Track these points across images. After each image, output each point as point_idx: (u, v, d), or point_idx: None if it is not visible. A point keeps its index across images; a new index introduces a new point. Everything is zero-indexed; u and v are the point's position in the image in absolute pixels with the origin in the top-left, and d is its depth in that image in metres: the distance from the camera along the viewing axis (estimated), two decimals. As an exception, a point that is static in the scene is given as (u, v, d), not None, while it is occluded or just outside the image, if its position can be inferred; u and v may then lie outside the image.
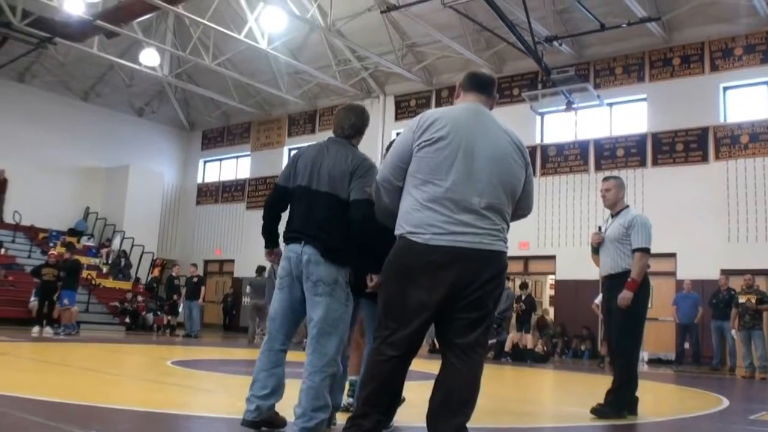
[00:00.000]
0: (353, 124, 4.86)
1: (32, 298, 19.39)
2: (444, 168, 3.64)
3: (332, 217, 4.58)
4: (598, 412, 6.58)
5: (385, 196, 3.93)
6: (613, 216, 7.27)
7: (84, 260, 22.30)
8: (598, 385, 11.97)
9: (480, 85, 4.04)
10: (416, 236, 3.61)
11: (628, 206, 7.34)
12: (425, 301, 3.58)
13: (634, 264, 6.80)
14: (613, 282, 6.96)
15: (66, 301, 17.88)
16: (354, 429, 3.64)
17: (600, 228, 7.44)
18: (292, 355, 4.89)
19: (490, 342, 18.77)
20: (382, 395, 3.69)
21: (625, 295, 6.72)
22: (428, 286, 3.57)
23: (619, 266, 6.93)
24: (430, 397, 3.70)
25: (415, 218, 3.64)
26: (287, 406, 4.64)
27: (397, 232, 3.74)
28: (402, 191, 3.80)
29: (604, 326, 7.61)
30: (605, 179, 7.42)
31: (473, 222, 3.61)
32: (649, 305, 14.63)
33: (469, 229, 3.59)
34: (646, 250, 6.85)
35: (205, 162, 31.31)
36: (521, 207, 3.97)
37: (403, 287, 3.64)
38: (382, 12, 19.22)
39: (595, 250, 7.30)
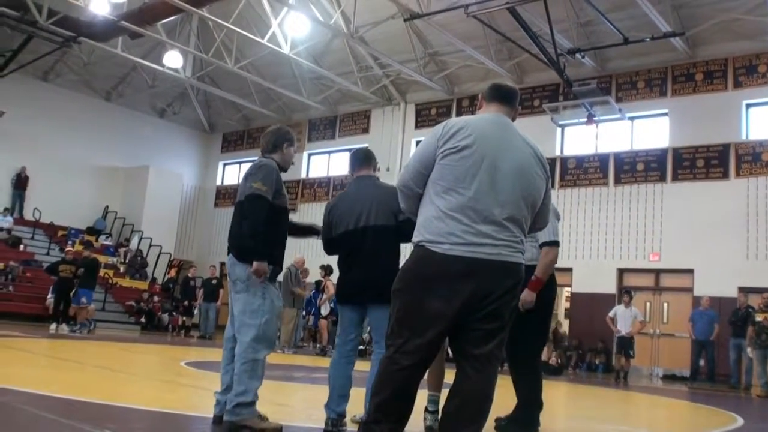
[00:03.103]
0: (268, 141, 5.42)
1: (49, 295, 19.52)
2: (468, 177, 3.61)
3: (241, 223, 5.15)
4: (502, 428, 5.89)
5: (403, 202, 3.93)
6: None
7: (102, 259, 22.45)
8: (609, 399, 11.93)
9: (503, 97, 4.02)
10: (435, 246, 3.58)
11: None
12: (442, 310, 3.55)
13: (540, 260, 5.94)
14: None
15: (83, 300, 17.99)
16: None
17: None
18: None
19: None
20: (396, 404, 3.67)
21: (525, 297, 5.75)
22: (446, 296, 3.54)
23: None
24: (443, 405, 3.69)
25: (436, 227, 3.61)
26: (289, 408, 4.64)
27: (415, 239, 3.72)
28: (421, 198, 3.78)
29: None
30: None
31: (493, 233, 3.58)
32: (647, 318, 14.33)
33: (488, 240, 3.56)
34: (554, 244, 6.00)
35: (224, 164, 31.43)
36: (538, 221, 3.96)
37: (420, 296, 3.60)
38: (405, 20, 19.23)
39: None
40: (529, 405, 5.98)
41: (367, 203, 5.24)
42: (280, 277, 5.34)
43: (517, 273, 3.69)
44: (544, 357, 17.53)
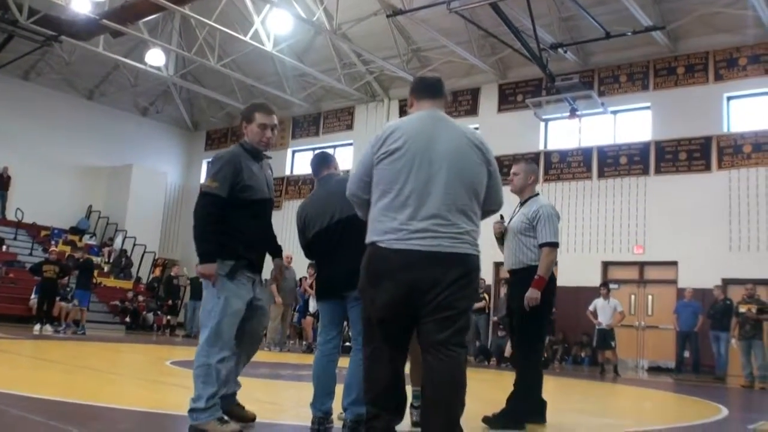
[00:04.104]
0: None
1: (33, 296, 19.44)
2: (402, 178, 3.78)
3: None
4: (490, 422, 5.89)
5: (357, 209, 4.15)
6: (520, 204, 6.55)
7: (85, 259, 22.37)
8: (595, 392, 11.99)
9: (431, 90, 4.17)
10: (380, 242, 3.77)
11: (537, 194, 6.56)
12: (390, 301, 3.70)
13: (542, 260, 6.16)
14: (515, 278, 6.39)
15: (76, 302, 17.97)
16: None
17: (502, 217, 6.51)
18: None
19: (491, 346, 18.83)
20: (387, 395, 3.81)
21: (531, 294, 6.03)
22: (391, 288, 3.70)
23: (520, 261, 6.30)
24: (422, 397, 3.84)
25: (378, 227, 3.80)
26: (286, 408, 4.64)
27: (367, 241, 3.88)
28: (369, 203, 3.96)
29: (509, 326, 6.84)
30: (516, 161, 6.78)
31: (434, 227, 3.71)
32: (632, 312, 14.35)
33: (428, 234, 3.70)
34: (553, 245, 6.21)
35: (208, 162, 31.27)
36: (489, 203, 4.06)
37: (373, 291, 3.79)
38: (387, 16, 19.23)
39: (500, 240, 6.62)
40: (523, 398, 6.09)
41: (337, 198, 5.24)
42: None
43: (464, 263, 3.77)
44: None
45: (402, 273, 3.68)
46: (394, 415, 3.82)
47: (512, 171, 6.63)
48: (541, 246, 6.18)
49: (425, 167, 3.78)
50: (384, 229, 3.77)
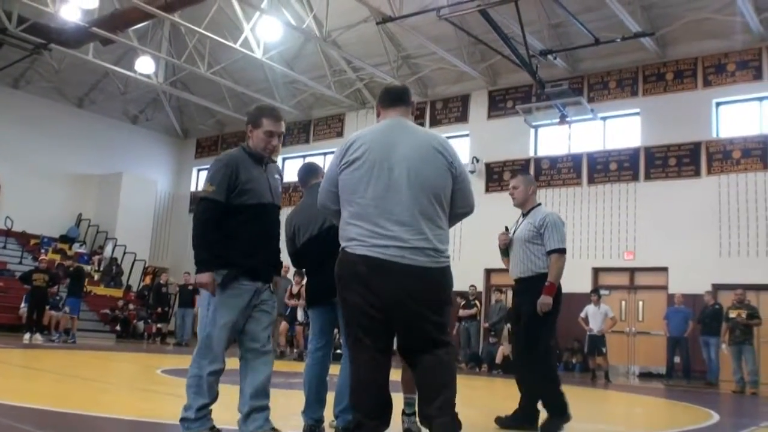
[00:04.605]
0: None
1: (23, 304, 19.36)
2: (362, 186, 3.85)
3: None
4: (502, 424, 6.28)
5: (333, 219, 4.25)
6: (523, 215, 6.68)
7: (75, 267, 22.26)
8: (586, 398, 12.00)
9: (397, 99, 4.21)
10: (348, 247, 3.86)
11: (539, 204, 6.73)
12: (360, 304, 3.77)
13: (551, 266, 6.32)
14: (523, 286, 6.48)
15: (67, 309, 17.91)
16: None
17: (507, 228, 6.77)
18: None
19: (483, 353, 18.82)
20: (371, 402, 3.81)
21: (544, 300, 6.20)
22: (360, 292, 3.77)
23: (529, 269, 6.41)
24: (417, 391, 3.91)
25: (346, 233, 3.89)
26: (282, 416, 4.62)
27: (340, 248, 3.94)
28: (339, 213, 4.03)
29: (512, 334, 6.98)
30: (513, 176, 7.03)
31: (398, 234, 3.77)
32: (622, 318, 14.34)
33: (393, 242, 3.76)
34: (562, 251, 6.36)
35: (198, 170, 31.23)
36: (458, 206, 4.09)
37: (344, 295, 3.88)
38: (377, 23, 19.24)
39: (504, 252, 6.76)
40: (533, 404, 6.27)
41: None
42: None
43: (430, 277, 3.83)
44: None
45: (371, 279, 3.75)
46: (379, 423, 3.82)
47: (511, 185, 6.73)
48: (549, 253, 6.32)
49: (385, 175, 3.84)
50: (349, 236, 3.86)
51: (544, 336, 6.39)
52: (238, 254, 4.64)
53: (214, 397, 4.62)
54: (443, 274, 3.90)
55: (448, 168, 3.97)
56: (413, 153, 3.90)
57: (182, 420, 4.58)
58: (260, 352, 4.71)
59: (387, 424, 3.87)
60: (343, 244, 3.90)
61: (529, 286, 6.34)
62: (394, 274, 3.72)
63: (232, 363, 4.68)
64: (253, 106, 5.04)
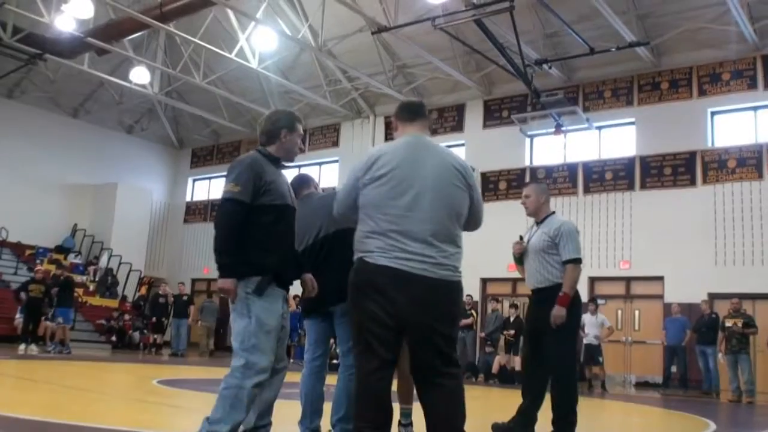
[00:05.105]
0: (263, 130, 4.74)
1: (18, 315, 19.28)
2: (387, 203, 3.89)
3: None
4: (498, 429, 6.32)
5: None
6: (537, 224, 6.61)
7: (71, 277, 22.19)
8: (583, 407, 11.95)
9: (415, 114, 4.29)
10: (368, 256, 3.88)
11: (553, 213, 6.69)
12: (374, 314, 3.80)
13: (567, 277, 6.22)
14: (540, 297, 6.39)
15: (60, 319, 17.84)
16: None
17: (521, 237, 6.73)
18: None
19: (479, 362, 18.79)
20: (373, 411, 3.84)
21: (557, 312, 6.08)
22: (379, 300, 3.79)
23: (546, 279, 6.33)
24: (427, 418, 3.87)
25: (365, 246, 3.92)
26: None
27: (354, 257, 3.99)
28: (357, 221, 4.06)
29: (525, 345, 6.84)
30: (525, 185, 6.78)
31: (420, 251, 3.82)
32: (619, 327, 14.33)
33: (415, 257, 3.80)
34: (577, 261, 6.23)
35: (194, 180, 31.26)
36: (469, 226, 4.21)
37: (360, 303, 3.88)
38: (372, 33, 19.26)
39: (519, 260, 6.67)
40: (571, 415, 6.27)
41: (320, 215, 5.27)
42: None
43: (448, 289, 3.91)
44: (518, 367, 17.58)
45: (391, 290, 3.77)
46: (379, 431, 3.84)
47: (524, 194, 6.70)
48: (565, 263, 6.24)
49: (411, 192, 3.89)
50: (368, 248, 3.88)
51: (567, 349, 6.36)
52: (269, 258, 4.43)
53: (246, 413, 4.31)
54: (459, 289, 3.99)
55: (466, 189, 4.08)
56: (436, 172, 3.98)
57: None
58: (276, 370, 4.55)
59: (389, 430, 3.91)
60: (361, 254, 3.93)
61: (548, 297, 6.26)
62: (413, 285, 3.78)
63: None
64: (281, 112, 4.90)
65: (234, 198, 4.32)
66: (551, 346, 6.23)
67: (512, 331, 17.54)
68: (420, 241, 3.82)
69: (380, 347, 3.83)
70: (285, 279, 4.56)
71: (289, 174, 4.97)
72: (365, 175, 3.97)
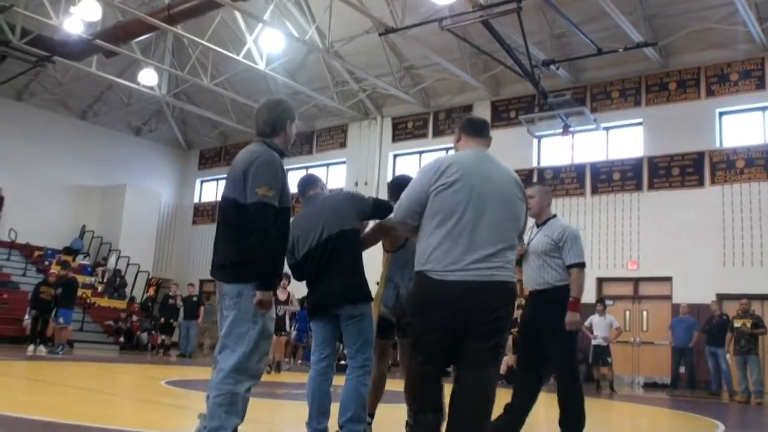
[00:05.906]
0: (266, 120, 4.57)
1: (26, 317, 19.34)
2: (459, 209, 4.05)
3: (226, 225, 4.47)
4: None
5: (407, 234, 4.62)
6: (538, 226, 6.55)
7: (79, 279, 22.22)
8: (591, 408, 11.94)
9: (479, 131, 4.51)
10: (432, 273, 4.03)
11: (555, 216, 6.63)
12: (439, 329, 4.03)
13: (573, 281, 6.18)
14: (539, 299, 6.34)
15: (61, 320, 17.87)
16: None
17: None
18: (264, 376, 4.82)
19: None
20: (428, 407, 4.12)
21: (571, 318, 6.08)
22: (442, 317, 4.01)
23: (545, 282, 6.26)
24: (448, 415, 4.06)
25: (432, 256, 4.06)
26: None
27: (416, 268, 4.16)
28: (417, 229, 4.22)
29: (520, 346, 6.74)
30: (529, 186, 6.99)
31: (485, 257, 4.03)
32: (627, 328, 14.16)
33: (481, 264, 4.01)
34: (582, 265, 6.23)
35: (202, 182, 31.32)
36: (522, 233, 4.54)
37: (424, 318, 4.10)
38: (380, 34, 19.25)
39: (518, 261, 6.47)
40: (578, 416, 6.34)
41: (324, 215, 5.30)
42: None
43: (510, 290, 4.18)
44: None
45: (456, 303, 3.98)
46: (436, 414, 4.15)
47: (527, 194, 6.60)
48: (570, 267, 6.22)
49: (481, 200, 4.09)
50: (439, 258, 4.03)
51: (567, 351, 6.35)
52: (279, 263, 4.47)
53: (242, 417, 4.31)
54: (515, 291, 4.27)
55: (524, 202, 4.38)
56: (502, 187, 4.24)
57: None
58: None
59: (444, 419, 4.19)
60: (427, 266, 4.06)
61: (545, 299, 6.25)
62: (483, 291, 4.00)
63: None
64: (281, 101, 4.80)
65: (271, 203, 4.24)
66: (551, 347, 6.23)
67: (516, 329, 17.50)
68: (486, 248, 4.03)
69: (436, 358, 4.11)
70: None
71: (296, 176, 4.98)
72: (437, 182, 4.11)
